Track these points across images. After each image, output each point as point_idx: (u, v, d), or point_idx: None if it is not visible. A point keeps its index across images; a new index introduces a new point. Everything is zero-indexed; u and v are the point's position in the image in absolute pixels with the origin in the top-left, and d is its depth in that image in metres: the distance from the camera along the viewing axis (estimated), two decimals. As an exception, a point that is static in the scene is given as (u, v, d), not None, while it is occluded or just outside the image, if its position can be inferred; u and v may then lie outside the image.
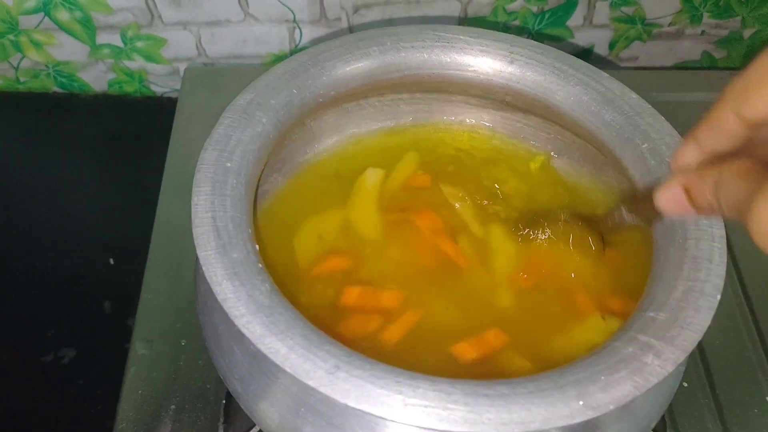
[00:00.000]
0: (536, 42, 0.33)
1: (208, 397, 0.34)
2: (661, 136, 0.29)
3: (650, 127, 0.29)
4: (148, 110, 0.57)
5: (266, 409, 0.26)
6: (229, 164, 0.27)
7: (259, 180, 0.30)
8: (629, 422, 0.26)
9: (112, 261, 0.48)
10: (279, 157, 0.35)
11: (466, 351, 0.28)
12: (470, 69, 0.32)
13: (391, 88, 0.34)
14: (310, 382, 0.22)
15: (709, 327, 0.36)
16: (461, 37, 0.32)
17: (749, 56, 0.55)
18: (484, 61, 0.32)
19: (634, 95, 0.30)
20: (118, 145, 0.55)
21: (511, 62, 0.32)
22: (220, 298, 0.24)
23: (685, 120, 0.47)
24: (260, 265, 0.25)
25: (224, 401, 0.34)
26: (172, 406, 0.34)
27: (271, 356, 0.23)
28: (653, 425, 0.27)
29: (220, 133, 0.29)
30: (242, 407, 0.28)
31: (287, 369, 0.22)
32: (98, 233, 0.50)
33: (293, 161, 0.35)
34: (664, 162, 0.28)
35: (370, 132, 0.36)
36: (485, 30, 0.33)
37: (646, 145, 0.29)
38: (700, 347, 0.37)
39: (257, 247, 0.26)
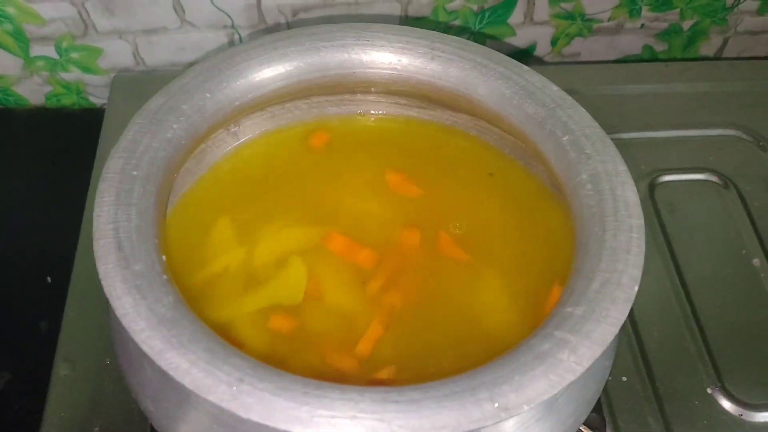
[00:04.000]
0: (458, 38, 0.32)
1: (133, 418, 0.33)
2: (581, 127, 0.28)
3: (570, 119, 0.29)
4: (88, 123, 0.55)
5: (179, 428, 0.25)
6: (135, 172, 0.26)
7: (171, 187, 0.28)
8: (552, 421, 0.25)
9: (49, 279, 0.46)
10: (203, 162, 0.34)
11: None
12: (391, 67, 0.32)
13: (314, 90, 0.33)
14: (212, 398, 0.21)
15: (648, 319, 0.36)
16: (381, 35, 0.32)
17: (690, 48, 0.56)
18: (405, 59, 0.31)
19: (555, 87, 0.30)
20: (57, 161, 0.53)
21: (432, 59, 0.31)
22: (119, 313, 0.23)
23: (627, 111, 0.47)
24: (165, 277, 0.24)
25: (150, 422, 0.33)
26: (96, 429, 0.32)
27: (171, 372, 0.21)
28: (581, 422, 0.27)
29: (128, 139, 0.27)
30: (155, 427, 0.26)
31: (187, 385, 0.21)
32: (35, 252, 0.48)
33: (215, 166, 0.34)
34: (584, 153, 0.28)
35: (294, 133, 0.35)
36: (407, 27, 0.32)
37: (567, 137, 0.28)
38: (639, 339, 0.36)
39: (164, 257, 0.25)
